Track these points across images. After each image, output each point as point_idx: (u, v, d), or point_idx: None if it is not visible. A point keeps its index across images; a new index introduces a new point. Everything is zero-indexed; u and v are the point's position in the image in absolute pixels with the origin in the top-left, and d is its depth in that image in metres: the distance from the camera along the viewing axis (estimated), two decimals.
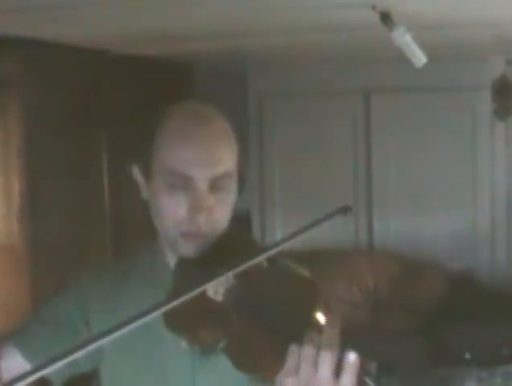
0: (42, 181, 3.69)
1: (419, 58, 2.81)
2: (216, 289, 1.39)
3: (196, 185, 1.45)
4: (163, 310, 1.23)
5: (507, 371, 3.89)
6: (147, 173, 1.52)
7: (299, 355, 1.26)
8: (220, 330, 1.36)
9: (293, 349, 1.27)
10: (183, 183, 1.46)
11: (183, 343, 1.42)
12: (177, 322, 1.37)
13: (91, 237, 3.97)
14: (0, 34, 3.09)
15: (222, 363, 1.38)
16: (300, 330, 1.29)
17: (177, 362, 1.53)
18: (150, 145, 1.50)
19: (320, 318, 1.35)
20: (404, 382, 3.84)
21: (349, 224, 5.07)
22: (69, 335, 1.59)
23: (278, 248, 1.38)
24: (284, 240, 1.42)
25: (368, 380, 1.24)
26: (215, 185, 1.47)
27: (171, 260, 1.54)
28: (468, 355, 4.13)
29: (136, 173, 1.56)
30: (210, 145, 1.47)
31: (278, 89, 5.10)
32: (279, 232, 5.13)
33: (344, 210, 1.45)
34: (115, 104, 4.11)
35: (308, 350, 1.26)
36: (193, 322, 1.36)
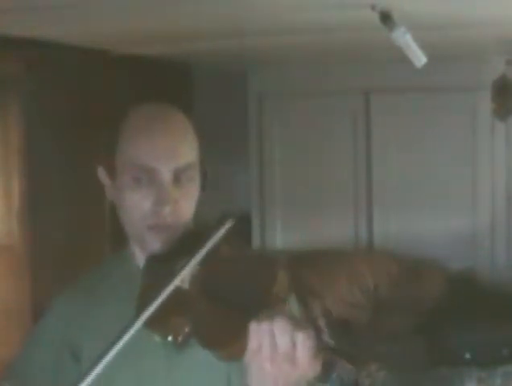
0: (42, 181, 3.69)
1: (419, 58, 2.81)
2: (183, 277, 1.44)
3: (160, 178, 1.50)
4: (144, 316, 1.30)
5: (507, 371, 3.89)
6: (112, 172, 1.57)
7: (258, 332, 1.29)
8: (188, 315, 1.41)
9: (253, 327, 1.29)
10: (147, 177, 1.51)
11: (157, 338, 1.45)
12: (151, 318, 1.40)
13: (91, 237, 3.97)
14: (0, 34, 3.09)
15: (197, 359, 1.43)
16: (261, 306, 1.34)
17: (152, 358, 1.55)
18: (114, 146, 1.57)
19: (280, 293, 1.40)
20: (404, 382, 3.84)
21: (349, 224, 5.08)
22: (57, 364, 1.63)
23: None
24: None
25: (325, 337, 1.29)
26: (179, 177, 1.52)
27: (141, 262, 1.58)
28: (468, 355, 4.13)
29: (101, 172, 1.61)
30: (172, 139, 1.53)
31: (278, 89, 5.10)
32: (279, 232, 5.13)
33: (225, 220, 1.51)
34: (115, 104, 4.11)
35: (266, 326, 1.28)
36: (164, 313, 1.40)
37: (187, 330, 1.40)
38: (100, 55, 3.88)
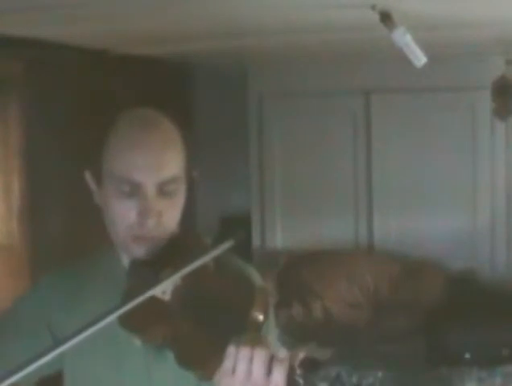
0: (42, 181, 3.69)
1: (419, 58, 2.81)
2: (164, 288, 1.44)
3: (144, 190, 1.49)
4: (118, 313, 1.31)
5: (507, 371, 3.89)
6: (98, 178, 1.57)
7: (236, 356, 1.31)
8: (168, 328, 1.41)
9: (231, 350, 1.31)
10: (131, 189, 1.50)
11: (137, 341, 1.47)
12: (129, 321, 1.41)
13: (91, 237, 3.97)
14: (0, 34, 3.09)
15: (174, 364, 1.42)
16: (238, 329, 1.35)
17: (133, 359, 1.57)
18: (100, 152, 1.55)
19: (257, 317, 1.40)
20: (404, 382, 3.84)
21: (349, 224, 5.08)
22: (30, 339, 1.62)
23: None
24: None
25: (297, 378, 1.27)
26: (163, 190, 1.51)
27: (126, 261, 1.59)
28: (468, 355, 4.13)
29: (88, 177, 1.61)
30: (157, 151, 1.51)
31: (278, 89, 5.10)
32: (279, 232, 5.13)
33: (236, 238, 1.50)
34: (115, 104, 4.10)
35: (244, 351, 1.30)
36: (143, 321, 1.41)
37: (165, 339, 1.41)
38: (100, 55, 3.88)
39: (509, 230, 4.91)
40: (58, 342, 1.26)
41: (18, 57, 3.48)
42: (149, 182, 1.49)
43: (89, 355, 1.59)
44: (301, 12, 2.92)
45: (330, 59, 4.73)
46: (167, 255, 1.51)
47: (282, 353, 1.30)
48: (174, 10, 2.83)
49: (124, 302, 1.39)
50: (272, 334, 1.56)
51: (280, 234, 5.10)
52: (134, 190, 1.50)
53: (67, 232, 3.83)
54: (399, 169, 4.97)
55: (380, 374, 3.81)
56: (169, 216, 1.53)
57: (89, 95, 3.93)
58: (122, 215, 1.52)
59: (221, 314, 1.39)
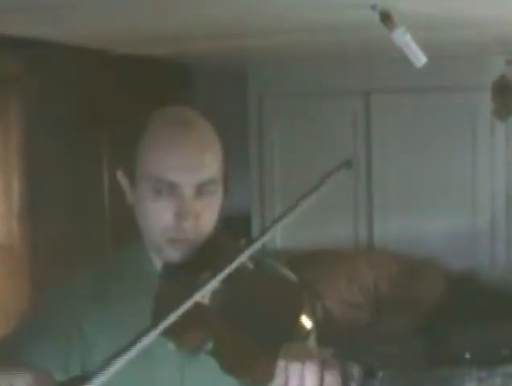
0: (42, 181, 3.69)
1: (419, 58, 2.81)
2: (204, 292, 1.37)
3: (181, 191, 1.44)
4: (161, 327, 1.24)
5: (507, 371, 3.88)
6: (132, 178, 1.51)
7: (287, 371, 1.27)
8: (206, 333, 1.35)
9: (281, 364, 1.27)
10: (168, 190, 1.45)
11: (171, 345, 1.40)
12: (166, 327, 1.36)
13: (91, 237, 3.97)
14: (0, 34, 3.09)
15: (211, 363, 1.37)
16: (285, 334, 1.30)
17: (165, 363, 1.52)
18: (135, 151, 1.49)
19: (305, 322, 1.34)
20: (404, 382, 3.83)
21: (349, 224, 5.08)
22: (61, 340, 1.54)
23: (264, 238, 1.38)
24: (279, 218, 1.45)
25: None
26: (201, 191, 1.46)
27: (157, 263, 1.54)
28: (468, 355, 4.12)
29: (120, 177, 1.55)
30: (195, 151, 1.46)
31: (278, 89, 5.10)
32: (279, 231, 5.13)
33: (347, 164, 1.44)
34: (115, 104, 4.11)
35: (296, 366, 1.27)
36: (180, 326, 1.32)
37: (205, 345, 1.35)
38: (100, 55, 3.88)
39: (509, 230, 4.91)
40: (104, 365, 1.20)
41: (18, 57, 3.48)
42: (187, 184, 1.44)
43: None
44: (301, 12, 2.92)
45: (330, 59, 4.73)
46: (202, 258, 1.45)
47: (333, 364, 1.28)
48: (174, 10, 2.83)
49: (157, 306, 1.34)
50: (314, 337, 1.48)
51: (280, 234, 5.10)
52: (171, 191, 1.44)
53: (67, 232, 3.83)
54: (399, 169, 4.97)
55: (380, 374, 3.80)
56: (206, 218, 1.48)
57: (89, 95, 3.94)
58: (158, 216, 1.46)
59: (265, 318, 1.34)
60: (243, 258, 1.35)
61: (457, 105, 4.85)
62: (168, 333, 1.34)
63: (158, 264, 1.54)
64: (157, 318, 1.29)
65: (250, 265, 1.43)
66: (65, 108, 3.79)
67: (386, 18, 2.71)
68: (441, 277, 4.77)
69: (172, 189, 1.44)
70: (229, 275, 1.32)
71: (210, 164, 1.47)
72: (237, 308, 1.37)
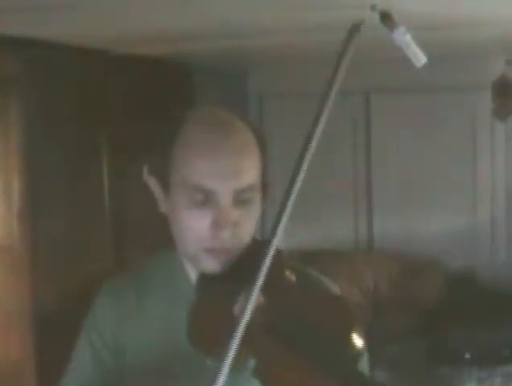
0: (42, 181, 3.69)
1: (419, 58, 2.80)
2: (244, 307, 1.29)
3: (219, 200, 1.38)
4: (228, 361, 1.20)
5: (507, 371, 3.89)
6: (165, 185, 1.44)
7: None
8: (248, 350, 1.27)
9: None
10: (205, 198, 1.38)
11: (209, 362, 1.32)
12: (203, 341, 1.31)
13: (91, 237, 3.97)
14: (0, 34, 3.09)
15: (254, 383, 1.30)
16: (337, 354, 1.22)
17: (201, 382, 1.42)
18: (169, 156, 1.42)
19: (357, 341, 1.24)
20: (404, 382, 3.83)
21: (349, 224, 5.08)
22: (101, 368, 1.53)
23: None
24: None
25: None
26: (239, 199, 1.39)
27: (192, 273, 1.49)
28: (468, 355, 4.13)
29: (153, 184, 1.47)
30: (234, 158, 1.39)
31: (278, 89, 5.10)
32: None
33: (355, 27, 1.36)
34: (115, 104, 4.11)
35: None
36: (220, 342, 1.25)
37: (247, 364, 1.27)
38: (100, 55, 3.88)
39: (509, 230, 4.91)
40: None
41: (18, 57, 3.48)
42: (225, 191, 1.37)
43: (158, 374, 1.47)
44: (301, 12, 2.92)
45: (330, 59, 4.72)
46: (240, 268, 1.37)
47: None
48: (174, 10, 2.83)
49: (193, 318, 1.29)
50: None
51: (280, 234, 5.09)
52: (209, 200, 1.37)
53: (67, 232, 3.83)
54: (399, 169, 4.97)
55: (380, 374, 3.81)
56: (245, 227, 1.42)
57: (89, 95, 3.93)
58: (194, 225, 1.39)
59: (316, 335, 1.24)
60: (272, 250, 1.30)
61: (457, 105, 4.85)
62: (208, 350, 1.29)
63: (191, 273, 1.49)
64: (195, 334, 1.25)
65: (293, 277, 1.37)
66: (65, 108, 3.78)
67: (386, 18, 2.70)
68: (441, 277, 4.77)
69: (209, 197, 1.38)
70: (273, 288, 1.26)
71: (249, 171, 1.41)
72: (283, 324, 1.28)
